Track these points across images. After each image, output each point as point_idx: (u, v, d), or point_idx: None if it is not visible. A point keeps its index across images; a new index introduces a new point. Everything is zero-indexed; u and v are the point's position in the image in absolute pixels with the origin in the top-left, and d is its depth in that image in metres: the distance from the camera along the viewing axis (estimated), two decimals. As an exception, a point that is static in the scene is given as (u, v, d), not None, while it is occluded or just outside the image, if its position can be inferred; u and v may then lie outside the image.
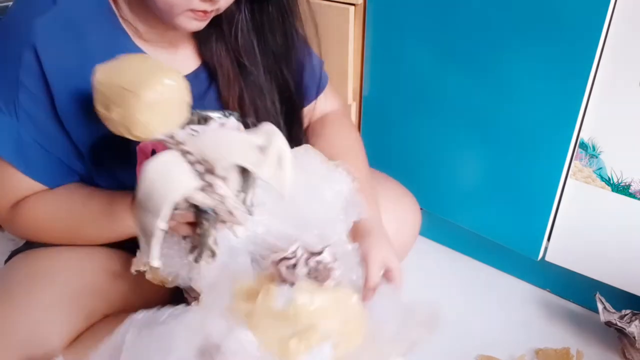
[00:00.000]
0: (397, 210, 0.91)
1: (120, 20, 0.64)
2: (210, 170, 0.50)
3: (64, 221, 0.65)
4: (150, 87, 0.48)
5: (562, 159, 0.87)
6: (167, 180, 0.49)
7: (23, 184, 0.65)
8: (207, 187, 0.50)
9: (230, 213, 0.51)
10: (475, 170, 1.00)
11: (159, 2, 0.58)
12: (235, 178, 0.51)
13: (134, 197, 0.58)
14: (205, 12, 0.59)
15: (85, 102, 0.61)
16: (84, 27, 0.61)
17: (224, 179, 0.50)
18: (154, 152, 0.69)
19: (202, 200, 0.50)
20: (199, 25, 0.61)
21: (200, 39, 0.71)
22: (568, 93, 0.82)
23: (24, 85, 0.59)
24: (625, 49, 0.76)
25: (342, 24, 1.04)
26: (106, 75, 0.49)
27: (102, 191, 0.66)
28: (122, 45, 0.64)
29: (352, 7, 1.02)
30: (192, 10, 0.58)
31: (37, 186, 0.66)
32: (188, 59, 0.72)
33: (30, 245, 0.72)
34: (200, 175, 0.50)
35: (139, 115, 0.49)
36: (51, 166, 0.65)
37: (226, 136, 0.51)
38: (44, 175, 0.65)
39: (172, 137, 0.50)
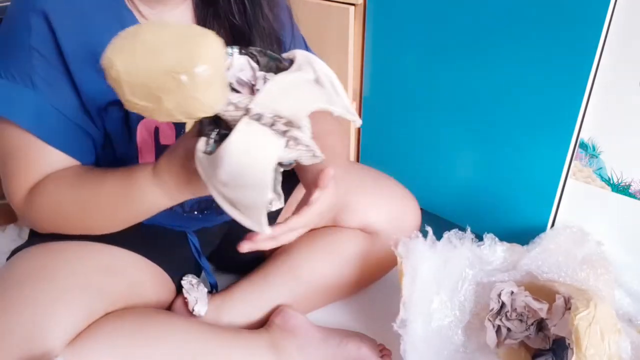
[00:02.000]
0: (397, 211, 0.91)
1: (125, 1, 0.66)
2: (290, 125, 0.47)
3: (79, 201, 0.64)
4: (202, 60, 0.43)
5: (562, 159, 0.87)
6: (257, 152, 0.46)
7: (42, 158, 0.64)
8: (290, 142, 0.48)
9: (314, 156, 0.50)
10: (475, 171, 1.00)
11: None
12: (306, 122, 0.49)
13: (154, 168, 0.58)
14: None
15: (96, 72, 0.60)
16: (90, 4, 0.63)
17: (299, 127, 0.48)
18: (156, 129, 0.70)
19: (289, 156, 0.49)
20: None
21: (199, 21, 0.72)
22: (568, 93, 0.82)
23: (36, 50, 0.60)
24: (625, 49, 0.76)
25: (342, 24, 1.04)
26: (133, 64, 0.43)
27: (117, 168, 0.64)
28: (127, 26, 0.65)
29: (352, 7, 1.02)
30: None
31: (56, 159, 0.64)
32: None
33: (31, 243, 0.72)
34: (282, 133, 0.47)
35: (199, 95, 0.44)
36: (70, 133, 0.65)
37: (286, 86, 0.48)
38: (62, 141, 0.64)
39: (235, 105, 0.46)
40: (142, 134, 0.69)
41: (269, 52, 0.50)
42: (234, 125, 0.47)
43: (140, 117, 0.68)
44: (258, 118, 0.46)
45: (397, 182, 0.95)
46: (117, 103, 0.66)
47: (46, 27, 0.60)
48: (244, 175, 0.46)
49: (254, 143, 0.46)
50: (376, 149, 1.15)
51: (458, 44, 0.92)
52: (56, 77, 0.62)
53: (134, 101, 0.45)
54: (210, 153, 0.48)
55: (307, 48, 0.87)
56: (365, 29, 1.04)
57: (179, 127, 0.72)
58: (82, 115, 0.65)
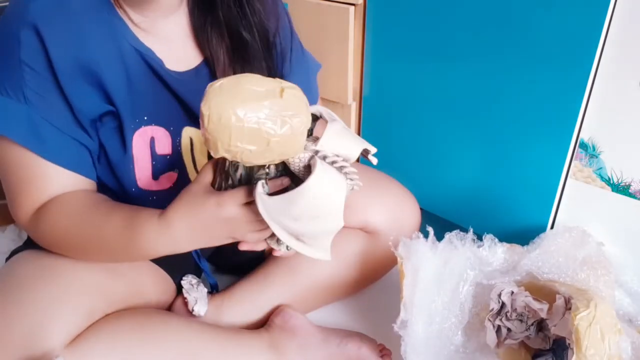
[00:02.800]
0: (397, 211, 0.91)
1: (117, 9, 0.65)
2: (345, 162, 0.55)
3: (82, 239, 0.64)
4: (307, 107, 0.51)
5: (562, 159, 0.87)
6: (333, 185, 0.54)
7: (44, 176, 0.63)
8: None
9: (354, 187, 0.58)
10: (475, 170, 1.00)
11: None
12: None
13: (161, 218, 0.59)
14: None
15: (88, 78, 0.63)
16: (81, 15, 0.62)
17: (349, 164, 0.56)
18: (152, 139, 0.70)
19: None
20: None
21: (196, 29, 0.71)
22: (568, 93, 0.82)
23: (27, 64, 0.60)
24: (625, 49, 0.76)
25: (342, 24, 1.04)
26: (245, 110, 0.48)
27: (121, 208, 0.65)
28: (120, 35, 0.65)
29: (352, 7, 1.02)
30: None
31: (58, 175, 0.64)
32: (188, 56, 0.72)
33: (30, 244, 0.72)
34: (340, 169, 0.55)
35: (302, 137, 0.52)
36: (66, 146, 0.64)
37: (337, 132, 0.56)
38: (60, 155, 0.64)
39: (305, 147, 0.54)
40: (138, 144, 0.68)
41: None
42: (297, 166, 0.54)
43: (135, 127, 0.68)
44: (324, 157, 0.54)
45: (397, 182, 0.95)
46: (111, 113, 0.66)
47: (37, 40, 0.59)
48: (321, 206, 0.53)
49: (329, 178, 0.53)
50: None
51: (458, 44, 0.92)
52: (48, 90, 0.62)
53: (238, 146, 0.50)
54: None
55: (303, 54, 0.86)
56: (365, 29, 1.04)
57: (175, 136, 0.71)
58: (76, 127, 0.65)
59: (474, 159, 0.99)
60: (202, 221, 0.57)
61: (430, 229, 0.82)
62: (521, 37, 0.84)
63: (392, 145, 1.10)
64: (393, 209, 0.91)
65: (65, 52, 0.61)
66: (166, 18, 0.69)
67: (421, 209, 0.95)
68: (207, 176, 0.59)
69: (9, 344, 0.59)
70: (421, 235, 0.81)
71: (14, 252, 0.74)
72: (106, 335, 0.64)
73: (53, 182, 0.64)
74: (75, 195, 0.65)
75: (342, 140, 0.56)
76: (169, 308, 0.82)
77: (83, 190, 0.66)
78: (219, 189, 0.58)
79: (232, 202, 0.56)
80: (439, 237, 0.82)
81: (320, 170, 0.52)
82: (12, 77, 0.60)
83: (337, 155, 0.55)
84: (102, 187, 0.71)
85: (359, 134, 1.16)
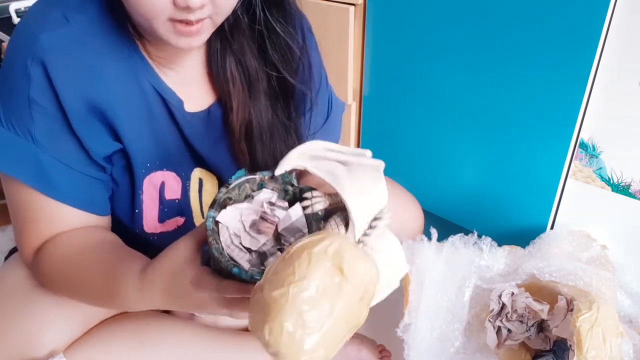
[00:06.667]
0: (400, 215, 0.90)
1: (137, 42, 0.61)
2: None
3: (70, 288, 0.61)
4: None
5: (562, 159, 0.87)
6: None
7: (52, 216, 0.61)
8: None
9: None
10: (475, 171, 1.00)
11: (136, 14, 0.53)
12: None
13: (140, 275, 0.54)
14: (188, 22, 0.52)
15: (98, 118, 0.60)
16: (98, 50, 0.59)
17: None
18: (162, 183, 0.68)
19: None
20: (189, 42, 0.55)
21: (214, 67, 0.67)
22: (568, 93, 0.82)
23: (36, 102, 0.57)
24: (625, 49, 0.76)
25: (342, 24, 1.04)
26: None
27: (113, 252, 0.60)
28: (141, 74, 0.62)
29: (352, 7, 1.02)
30: (172, 21, 0.53)
31: (65, 213, 0.61)
32: (203, 95, 0.68)
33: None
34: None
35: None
36: (76, 184, 0.61)
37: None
38: (69, 194, 0.61)
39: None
40: (148, 190, 0.66)
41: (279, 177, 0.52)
42: None
43: (146, 173, 0.65)
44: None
45: (400, 186, 0.94)
46: (120, 151, 0.63)
47: (45, 78, 0.56)
48: None
49: None
50: (375, 149, 1.13)
51: (458, 44, 0.92)
52: (58, 129, 0.58)
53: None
54: None
55: (326, 92, 0.80)
56: (365, 29, 1.04)
57: (185, 180, 0.69)
58: (88, 163, 0.61)
59: (473, 159, 0.99)
60: (175, 292, 0.52)
61: (433, 232, 0.81)
62: (521, 37, 0.84)
63: (392, 145, 1.10)
64: (396, 213, 0.90)
65: (75, 90, 0.57)
66: (186, 53, 0.64)
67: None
68: (191, 243, 0.52)
69: (7, 348, 0.59)
70: (425, 238, 0.81)
71: (13, 251, 0.74)
72: (106, 338, 0.64)
73: (61, 221, 0.61)
74: (71, 236, 0.62)
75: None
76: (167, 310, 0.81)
77: (82, 230, 0.63)
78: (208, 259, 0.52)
79: (206, 289, 0.50)
80: (440, 237, 0.82)
81: None
82: (20, 114, 0.57)
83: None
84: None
85: (358, 134, 1.16)
